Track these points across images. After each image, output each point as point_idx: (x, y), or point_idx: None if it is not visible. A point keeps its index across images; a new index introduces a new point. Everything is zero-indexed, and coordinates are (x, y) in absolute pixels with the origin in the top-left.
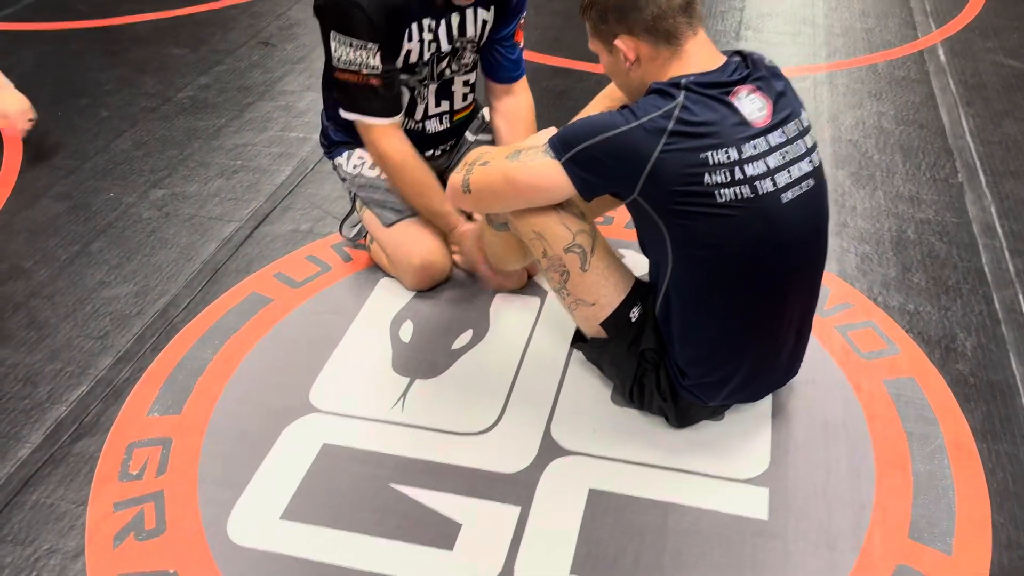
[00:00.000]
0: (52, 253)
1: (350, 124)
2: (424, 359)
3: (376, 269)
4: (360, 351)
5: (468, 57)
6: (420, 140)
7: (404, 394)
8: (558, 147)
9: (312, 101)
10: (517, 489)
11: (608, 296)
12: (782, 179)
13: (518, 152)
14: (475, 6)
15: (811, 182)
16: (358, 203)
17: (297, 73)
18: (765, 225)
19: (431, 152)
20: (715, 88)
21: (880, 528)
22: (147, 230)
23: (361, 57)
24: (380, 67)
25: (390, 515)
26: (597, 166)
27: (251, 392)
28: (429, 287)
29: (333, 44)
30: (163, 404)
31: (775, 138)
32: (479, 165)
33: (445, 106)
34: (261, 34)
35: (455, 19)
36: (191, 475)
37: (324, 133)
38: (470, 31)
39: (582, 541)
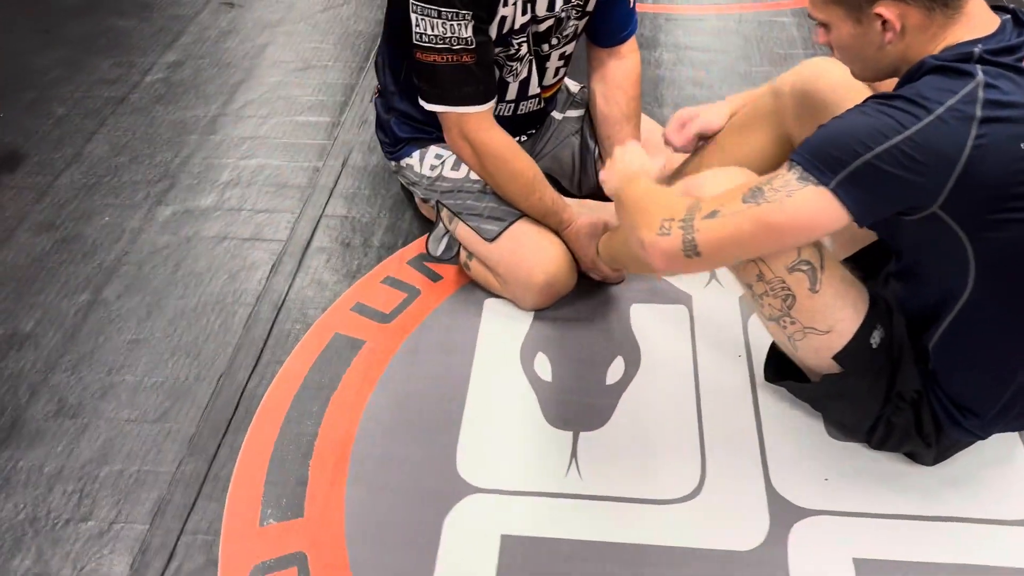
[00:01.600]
0: (56, 308)
1: (422, 116)
2: (579, 403)
3: (475, 285)
4: (498, 401)
5: (571, 27)
6: (508, 127)
7: (574, 454)
8: (819, 168)
9: (317, 75)
10: (765, 570)
11: (845, 320)
12: None
13: (759, 190)
14: None
15: None
16: (444, 214)
17: (282, 38)
18: None
19: (518, 139)
20: (1010, 54)
21: None
22: (169, 263)
23: (452, 30)
24: (474, 40)
25: None
26: (883, 181)
27: (383, 474)
28: (552, 303)
29: (415, 19)
30: (276, 506)
31: None
32: (704, 218)
33: (536, 84)
34: None
35: None
36: None
37: (383, 128)
38: None
39: None
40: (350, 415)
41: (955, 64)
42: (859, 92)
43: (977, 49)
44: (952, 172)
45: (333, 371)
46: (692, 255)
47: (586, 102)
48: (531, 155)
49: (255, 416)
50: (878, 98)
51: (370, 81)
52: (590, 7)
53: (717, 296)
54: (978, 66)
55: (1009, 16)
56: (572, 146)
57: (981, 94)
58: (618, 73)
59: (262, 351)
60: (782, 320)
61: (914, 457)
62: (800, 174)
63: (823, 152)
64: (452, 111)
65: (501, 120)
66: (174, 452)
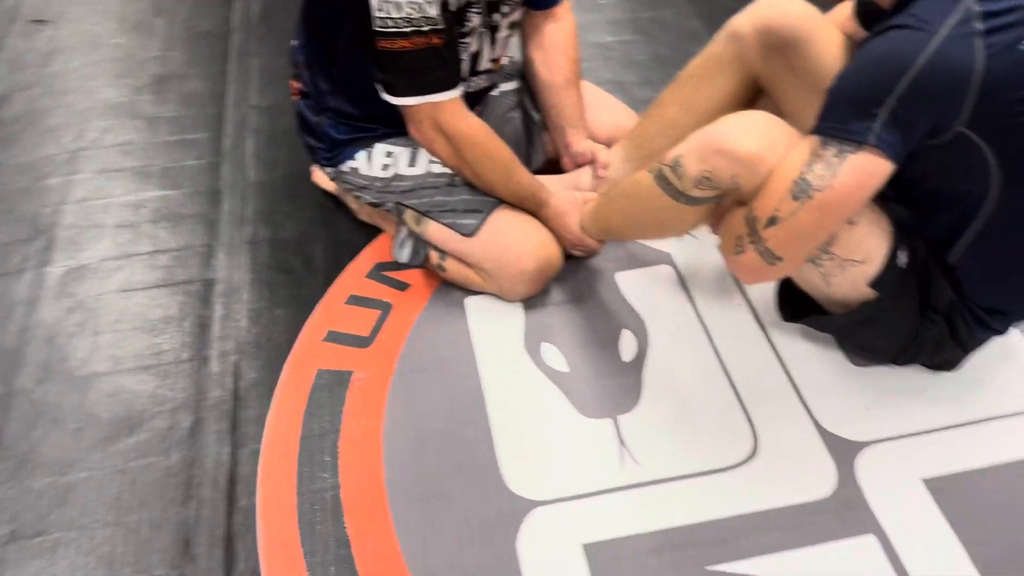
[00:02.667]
0: None
1: (364, 112)
2: (605, 387)
3: (453, 287)
4: (522, 403)
5: None
6: None
7: (621, 442)
8: (851, 131)
9: (174, 87)
10: (850, 514)
11: (879, 247)
12: None
13: (805, 183)
14: None
15: None
16: (408, 215)
17: (116, 51)
18: None
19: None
20: None
21: None
22: (85, 331)
23: (420, 10)
24: (441, 19)
25: None
26: (914, 117)
27: (432, 512)
28: (541, 290)
29: (377, 3)
30: (325, 574)
31: None
32: (767, 228)
33: (488, 58)
34: (22, 9)
35: None
36: None
37: (314, 132)
38: None
39: (969, 541)
40: (369, 456)
41: None
42: (824, 23)
43: None
44: (971, 87)
45: (330, 412)
46: (774, 262)
47: (520, 72)
48: None
49: (259, 488)
50: (875, 37)
51: (239, 86)
52: None
53: (696, 249)
54: None
55: None
56: (514, 122)
57: (976, 7)
58: (557, 37)
59: (234, 410)
60: (819, 259)
61: (939, 366)
62: (836, 149)
63: (847, 113)
64: (425, 101)
65: None
66: (166, 564)
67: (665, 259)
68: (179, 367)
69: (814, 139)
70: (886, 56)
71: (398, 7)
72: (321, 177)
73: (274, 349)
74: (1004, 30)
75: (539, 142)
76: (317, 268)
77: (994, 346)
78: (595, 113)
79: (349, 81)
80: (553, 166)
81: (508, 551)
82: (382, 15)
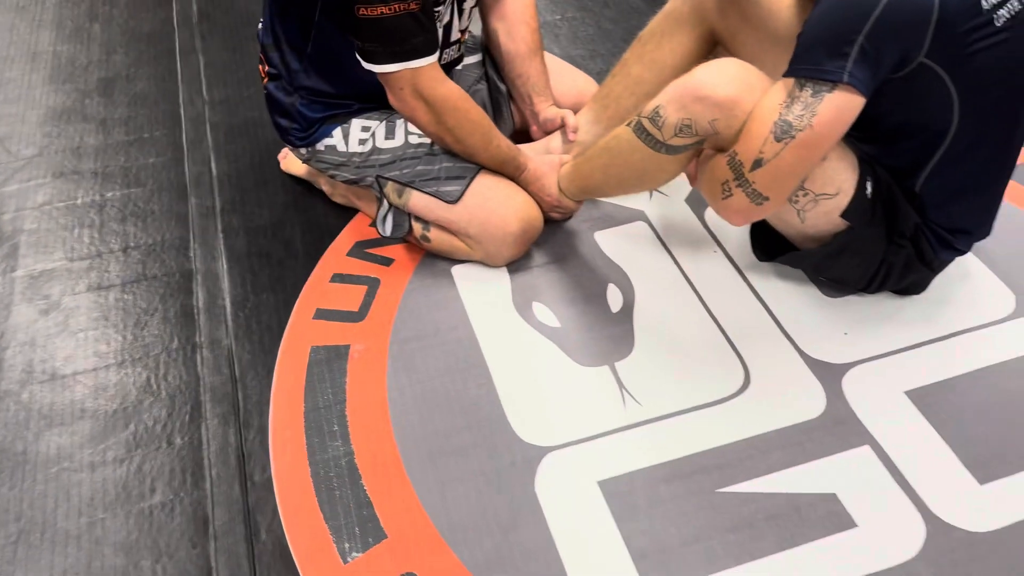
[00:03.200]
0: None
1: (338, 89)
2: (599, 337)
3: (437, 258)
4: (521, 360)
5: None
6: None
7: (621, 385)
8: (825, 70)
9: (122, 88)
10: (842, 429)
11: (848, 179)
12: None
13: (786, 124)
14: None
15: None
16: (390, 188)
17: (53, 59)
18: None
19: None
20: None
21: None
22: (66, 330)
23: None
24: None
25: (760, 526)
26: (881, 51)
27: (449, 467)
28: (524, 253)
29: None
30: (353, 539)
31: None
32: (753, 170)
33: (457, 28)
34: None
35: None
36: None
37: (287, 114)
38: None
39: (956, 444)
40: (377, 421)
41: None
42: None
43: None
44: (930, 20)
45: (333, 385)
46: (761, 202)
47: (481, 45)
48: None
49: (272, 459)
50: None
51: (190, 82)
52: None
53: (666, 205)
54: None
55: None
56: (481, 93)
57: None
58: (516, 6)
59: (234, 393)
60: (794, 196)
61: (906, 290)
62: (812, 89)
63: (820, 55)
64: (405, 67)
65: None
66: (186, 544)
67: (640, 216)
68: (170, 357)
69: (789, 81)
70: (850, 3)
71: None
72: (291, 163)
73: (265, 331)
74: None
75: (506, 113)
76: (296, 252)
77: (953, 268)
78: (557, 80)
79: (323, 58)
80: (520, 136)
81: (528, 495)
82: None
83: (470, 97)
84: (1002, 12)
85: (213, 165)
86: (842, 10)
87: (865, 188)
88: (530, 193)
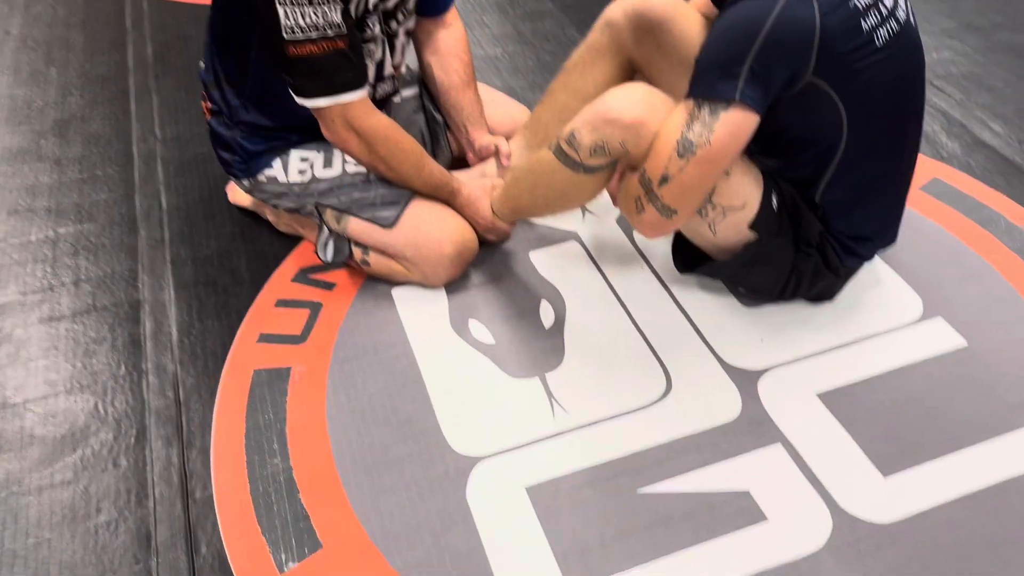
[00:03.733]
0: None
1: (276, 123)
2: (531, 351)
3: (378, 282)
4: (456, 375)
5: (411, 1)
6: None
7: (550, 395)
8: (719, 90)
9: (77, 129)
10: (757, 429)
11: (753, 192)
12: (899, 8)
13: (687, 142)
14: None
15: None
16: (328, 215)
17: (8, 102)
18: (911, 54)
19: None
20: None
21: None
22: (19, 358)
23: (323, 16)
24: (343, 23)
25: (677, 523)
26: (771, 70)
27: (383, 478)
28: (461, 273)
29: (284, 12)
30: (289, 549)
31: None
32: (661, 186)
33: (390, 64)
34: None
35: None
36: None
37: (228, 147)
38: None
39: (863, 441)
40: (316, 438)
41: None
42: (684, 7)
43: None
44: (813, 42)
45: (273, 405)
46: (671, 215)
47: (418, 78)
48: None
49: (213, 477)
50: (728, 9)
51: (143, 122)
52: None
53: (597, 225)
54: None
55: None
56: (418, 124)
57: None
58: (449, 41)
59: (177, 416)
60: (704, 209)
61: (818, 296)
62: (709, 109)
63: (713, 77)
64: (335, 101)
65: None
66: (129, 559)
67: (572, 236)
68: (117, 383)
69: (689, 103)
70: (740, 23)
71: (303, 15)
72: (237, 195)
73: (209, 357)
74: None
75: (444, 142)
76: (242, 279)
77: (864, 275)
78: (492, 109)
79: (260, 93)
80: (458, 164)
81: (459, 503)
82: (289, 23)
83: (400, 127)
84: (882, 32)
85: (163, 199)
86: (731, 34)
87: (771, 200)
88: (465, 216)
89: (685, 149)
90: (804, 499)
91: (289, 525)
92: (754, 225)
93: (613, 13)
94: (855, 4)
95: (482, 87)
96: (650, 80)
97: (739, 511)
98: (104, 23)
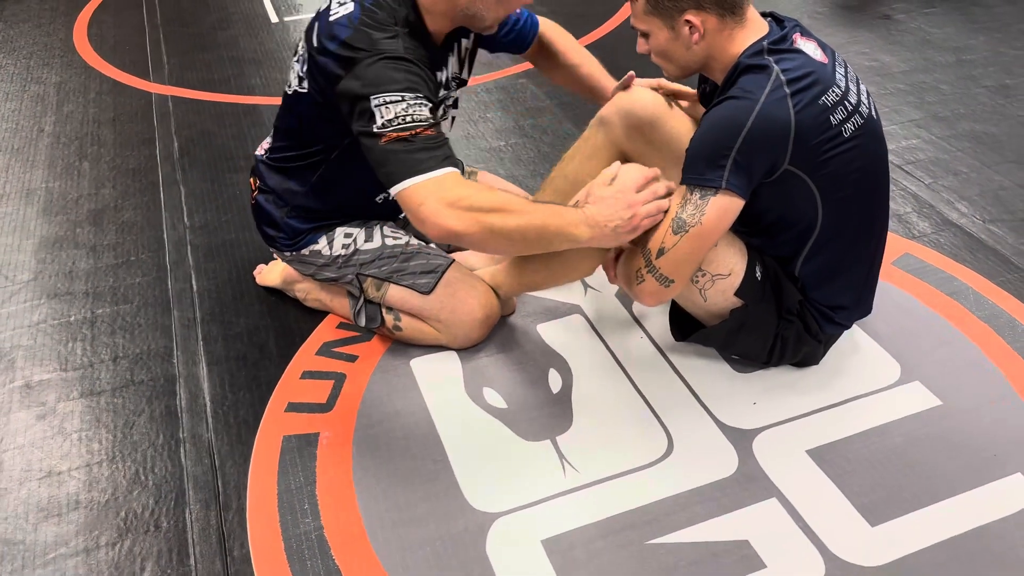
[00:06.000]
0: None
1: (331, 207)
2: (541, 415)
3: (397, 353)
4: (473, 438)
5: (454, 95)
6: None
7: (561, 456)
8: (707, 179)
9: (111, 218)
10: (753, 485)
11: (739, 262)
12: (863, 104)
13: (681, 221)
14: (458, 38)
15: (865, 102)
16: (368, 284)
17: (45, 196)
18: (875, 143)
19: (400, 215)
20: (783, 43)
21: None
22: (70, 433)
23: (417, 113)
24: (431, 119)
25: (683, 571)
26: (752, 161)
27: (409, 534)
28: (487, 335)
29: (378, 112)
30: None
31: (839, 68)
32: (658, 258)
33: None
34: None
35: (452, 60)
36: None
37: (275, 225)
38: (464, 70)
39: (851, 493)
40: (344, 498)
41: (755, 61)
42: (665, 105)
43: (765, 43)
44: (789, 135)
45: (303, 468)
46: (668, 284)
47: None
48: (405, 228)
49: (249, 536)
50: (714, 107)
51: (173, 210)
52: (466, 75)
53: (598, 300)
54: (769, 57)
55: (771, 18)
56: None
57: (782, 76)
58: (552, 49)
59: (214, 481)
60: (695, 277)
61: (804, 362)
62: (700, 193)
63: (703, 167)
64: (431, 176)
65: (388, 204)
66: None
67: (576, 310)
68: (156, 451)
69: (683, 188)
70: (724, 121)
71: (395, 110)
72: (265, 276)
73: (242, 425)
74: (805, 90)
75: None
76: (271, 354)
77: (845, 343)
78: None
79: (325, 186)
80: None
81: (480, 556)
82: (386, 117)
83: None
84: (848, 126)
85: (194, 282)
86: (717, 131)
87: (755, 271)
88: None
89: (679, 227)
90: (799, 547)
91: None
92: (739, 292)
93: (606, 112)
94: (824, 101)
95: (488, 175)
96: None
97: (740, 559)
98: (132, 121)
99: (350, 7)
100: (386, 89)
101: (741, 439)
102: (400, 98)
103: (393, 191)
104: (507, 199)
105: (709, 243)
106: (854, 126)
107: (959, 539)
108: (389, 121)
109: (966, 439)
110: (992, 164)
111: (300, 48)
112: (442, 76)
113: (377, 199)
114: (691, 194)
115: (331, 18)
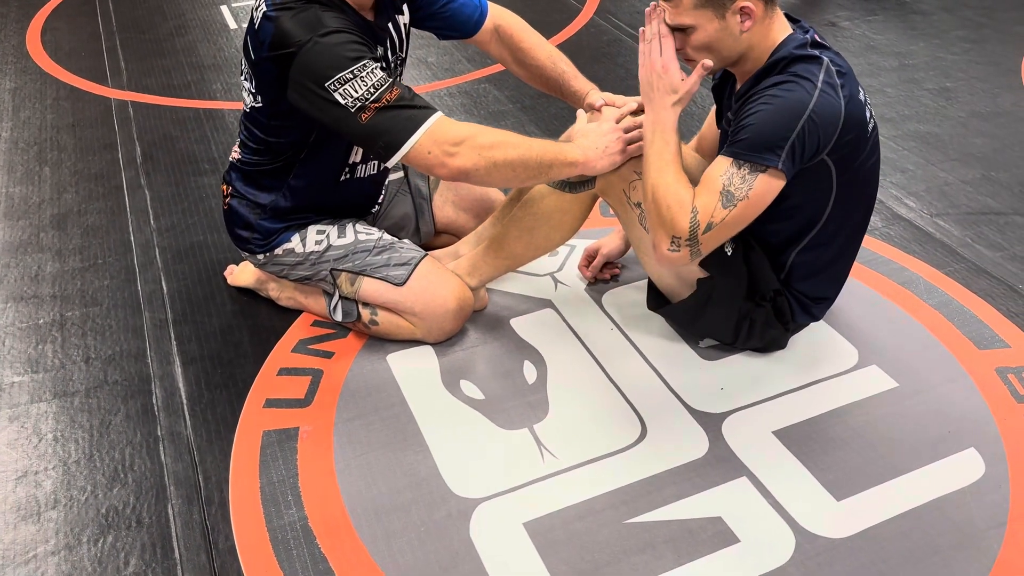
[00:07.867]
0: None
1: (300, 207)
2: (518, 405)
3: (374, 349)
4: (452, 429)
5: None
6: (368, 191)
7: (540, 443)
8: (764, 156)
9: (74, 222)
10: (724, 465)
11: None
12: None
13: (729, 194)
14: (391, 14)
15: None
16: (343, 279)
17: (18, 207)
18: (879, 145)
19: (381, 201)
20: (818, 38)
21: None
22: (34, 435)
23: (375, 79)
24: (387, 78)
25: (660, 548)
26: (804, 147)
27: (393, 522)
28: (460, 329)
29: (339, 95)
30: None
31: None
32: (704, 233)
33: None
34: None
35: (391, 36)
36: None
37: (249, 226)
38: (403, 44)
39: (816, 470)
40: (327, 489)
41: (805, 52)
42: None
43: (808, 36)
44: (839, 125)
45: (285, 462)
46: (697, 255)
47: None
48: (375, 225)
49: (234, 528)
50: (772, 88)
51: (138, 214)
52: (406, 52)
53: (570, 294)
54: (815, 50)
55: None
56: (404, 203)
57: (832, 67)
58: (508, 40)
59: (195, 477)
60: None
61: (768, 347)
62: (750, 168)
63: (761, 145)
64: (424, 128)
65: (351, 184)
66: None
67: (548, 304)
68: (134, 449)
69: (728, 160)
70: (786, 105)
71: (355, 87)
72: (237, 276)
73: (220, 422)
74: (849, 84)
75: (428, 216)
76: (246, 352)
77: (805, 332)
78: (467, 190)
79: (300, 190)
80: (442, 237)
81: (464, 540)
82: (352, 98)
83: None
84: (871, 124)
85: (164, 283)
86: (779, 115)
87: (725, 247)
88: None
89: (728, 201)
90: (769, 521)
91: (310, 568)
92: (705, 262)
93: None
94: (863, 96)
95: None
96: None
97: (714, 535)
98: (92, 126)
99: (261, 5)
100: (332, 73)
101: (710, 422)
102: (351, 75)
103: (396, 157)
104: (504, 134)
105: (751, 218)
106: (872, 125)
107: (920, 510)
108: (356, 100)
109: (922, 417)
110: (936, 162)
111: (244, 66)
112: (380, 51)
113: (341, 178)
114: (738, 168)
115: (255, 26)
